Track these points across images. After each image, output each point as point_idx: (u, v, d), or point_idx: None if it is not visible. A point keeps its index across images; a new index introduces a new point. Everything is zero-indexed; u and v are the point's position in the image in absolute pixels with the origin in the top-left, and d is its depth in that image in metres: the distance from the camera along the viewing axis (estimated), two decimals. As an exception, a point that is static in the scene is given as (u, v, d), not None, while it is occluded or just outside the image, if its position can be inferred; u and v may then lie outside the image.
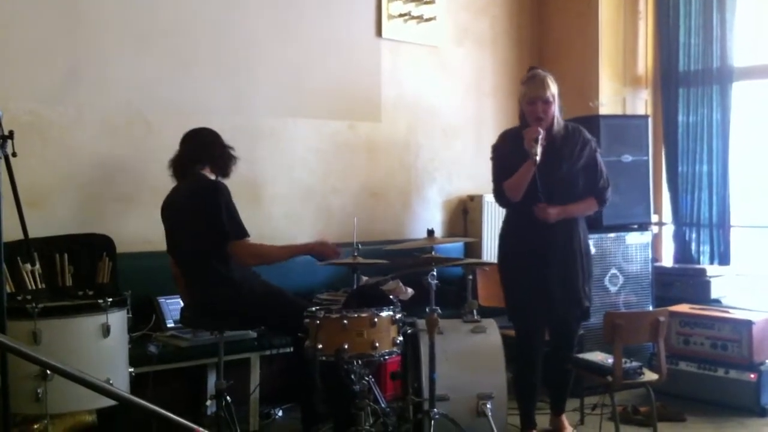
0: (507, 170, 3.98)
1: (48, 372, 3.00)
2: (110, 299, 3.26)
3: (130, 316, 3.45)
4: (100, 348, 3.20)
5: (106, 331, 3.21)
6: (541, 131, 3.85)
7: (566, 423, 4.31)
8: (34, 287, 3.62)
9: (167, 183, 4.00)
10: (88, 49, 4.29)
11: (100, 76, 4.33)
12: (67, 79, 4.22)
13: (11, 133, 2.85)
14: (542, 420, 4.35)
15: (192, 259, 3.80)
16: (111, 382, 3.06)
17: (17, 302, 3.16)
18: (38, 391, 3.04)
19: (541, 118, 3.90)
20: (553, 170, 3.92)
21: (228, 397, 3.73)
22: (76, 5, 4.24)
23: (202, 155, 3.87)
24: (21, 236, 3.05)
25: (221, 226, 3.66)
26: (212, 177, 3.88)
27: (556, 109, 3.95)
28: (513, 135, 4.08)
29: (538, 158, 3.79)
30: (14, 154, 2.86)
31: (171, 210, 3.88)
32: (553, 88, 3.93)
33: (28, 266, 3.54)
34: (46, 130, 4.15)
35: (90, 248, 4.01)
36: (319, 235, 4.28)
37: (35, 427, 3.19)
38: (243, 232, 3.70)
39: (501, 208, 4.25)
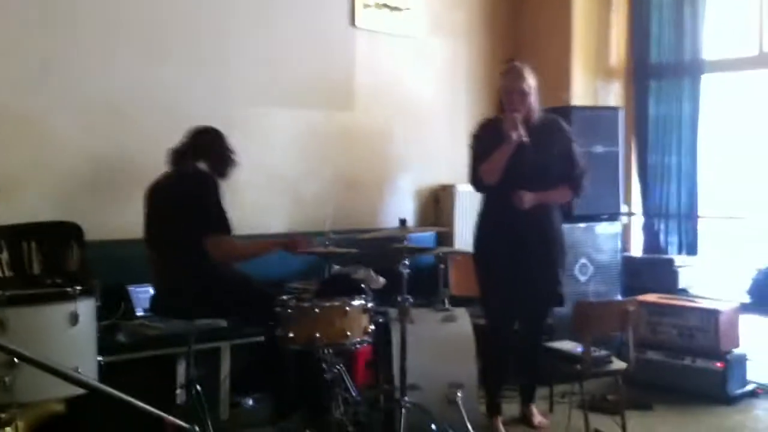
0: (485, 156, 4.04)
1: (15, 360, 2.96)
2: (79, 287, 3.22)
3: (99, 304, 3.41)
4: (68, 336, 3.16)
5: (74, 319, 3.16)
6: (519, 116, 3.93)
7: (536, 411, 4.35)
8: (1, 275, 3.58)
9: (140, 172, 3.97)
10: (65, 40, 4.24)
11: (73, 66, 4.28)
12: (40, 70, 4.18)
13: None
14: (512, 408, 4.39)
15: (169, 244, 3.77)
16: (79, 370, 3.03)
17: (-16, 290, 3.11)
18: (6, 379, 2.99)
19: (518, 109, 3.95)
20: (528, 158, 3.98)
21: (198, 387, 3.71)
22: (46, 1, 4.18)
23: (205, 150, 3.88)
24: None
25: (206, 216, 3.64)
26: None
27: (533, 100, 4.01)
28: (492, 123, 4.16)
29: (524, 138, 3.87)
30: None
31: (156, 194, 3.86)
32: (531, 80, 4.03)
33: (-5, 254, 3.49)
34: (17, 120, 4.09)
35: (59, 236, 3.95)
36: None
37: (3, 416, 3.14)
38: (224, 228, 3.68)
39: (473, 199, 4.29)
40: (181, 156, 3.88)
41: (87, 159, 4.35)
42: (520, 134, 3.89)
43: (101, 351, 3.40)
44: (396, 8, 5.64)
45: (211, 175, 3.85)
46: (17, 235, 3.75)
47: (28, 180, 4.14)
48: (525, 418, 4.34)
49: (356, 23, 5.47)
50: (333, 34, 5.39)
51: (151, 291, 4.01)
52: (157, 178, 3.89)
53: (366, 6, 5.50)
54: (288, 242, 3.89)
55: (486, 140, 4.10)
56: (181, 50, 4.67)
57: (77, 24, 4.29)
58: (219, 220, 3.68)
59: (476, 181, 4.15)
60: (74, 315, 3.16)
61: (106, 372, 3.38)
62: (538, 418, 4.33)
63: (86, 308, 3.24)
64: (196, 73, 4.73)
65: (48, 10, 4.18)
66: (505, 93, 4.05)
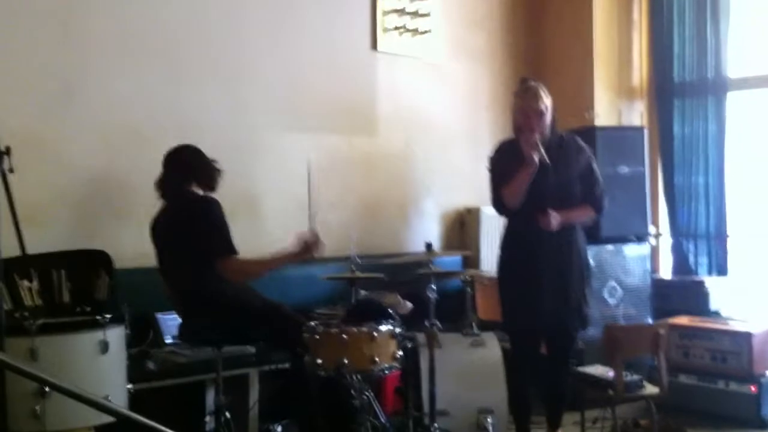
0: (505, 179, 4.01)
1: (46, 389, 2.97)
2: (108, 315, 3.23)
3: (128, 332, 3.42)
4: (98, 364, 3.17)
5: (104, 347, 3.17)
6: (538, 136, 3.90)
7: (563, 437, 4.29)
8: (31, 304, 3.60)
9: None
10: (82, 65, 4.27)
11: (95, 91, 4.30)
12: (62, 95, 4.20)
13: (8, 148, 2.85)
14: (541, 435, 4.33)
15: (183, 277, 3.78)
16: (109, 398, 3.03)
17: (15, 319, 3.13)
18: (36, 408, 3.00)
19: (536, 129, 3.93)
20: (549, 178, 3.94)
21: (227, 413, 3.71)
22: (70, 21, 4.22)
23: (186, 173, 3.85)
24: (18, 253, 3.05)
25: (210, 242, 3.64)
26: (200, 192, 3.86)
27: (549, 119, 3.99)
28: (508, 145, 4.13)
29: (545, 158, 3.82)
30: (11, 170, 2.85)
31: (160, 228, 3.86)
32: (546, 100, 3.98)
33: (26, 283, 3.52)
34: (42, 145, 4.11)
35: (88, 264, 3.98)
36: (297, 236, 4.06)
37: (33, 445, 3.15)
38: (230, 249, 3.67)
39: (498, 221, 4.26)
40: (169, 185, 3.85)
41: (108, 183, 4.36)
42: (541, 155, 3.86)
43: (131, 379, 3.40)
44: (417, 32, 5.66)
45: (206, 197, 3.82)
46: (46, 263, 3.78)
47: (53, 206, 4.15)
48: (552, 445, 4.28)
49: (378, 47, 5.49)
50: (354, 59, 5.41)
51: (179, 318, 4.01)
52: (156, 214, 3.89)
53: (386, 30, 5.52)
54: (299, 251, 3.79)
55: (505, 163, 4.06)
56: (202, 74, 4.69)
57: (99, 49, 4.31)
58: (223, 243, 3.66)
59: (498, 204, 4.12)
60: (104, 343, 3.17)
61: (135, 400, 3.39)
62: (565, 444, 4.27)
63: (116, 336, 3.25)
64: (216, 96, 4.75)
65: (69, 35, 4.21)
66: (521, 114, 4.00)
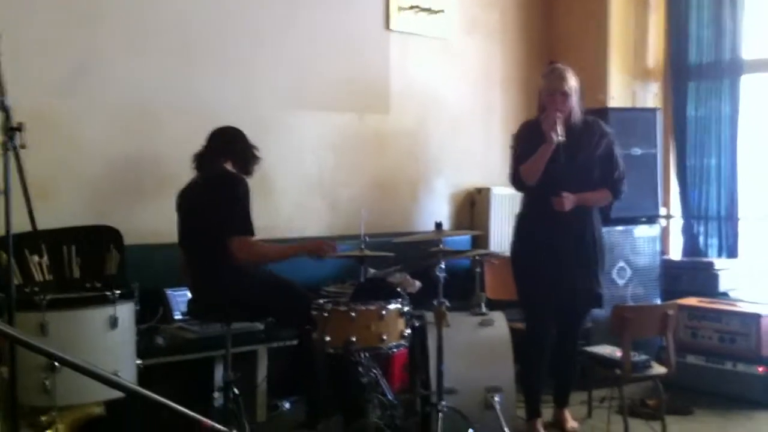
0: (526, 156, 4.05)
1: (56, 364, 3.00)
2: (118, 291, 3.25)
3: (138, 308, 3.44)
4: (107, 340, 3.20)
5: (113, 323, 3.20)
6: (560, 115, 3.93)
7: (569, 416, 4.31)
8: (42, 279, 3.62)
9: (175, 175, 4.00)
10: (96, 43, 4.28)
11: (108, 69, 4.32)
12: (75, 73, 4.21)
13: (20, 125, 2.85)
14: (546, 413, 4.34)
15: (201, 248, 3.80)
16: (119, 374, 3.06)
17: (25, 294, 3.15)
18: (46, 382, 3.04)
19: (560, 109, 3.95)
20: (570, 159, 3.98)
21: (235, 390, 3.73)
22: (83, 4, 4.23)
23: (226, 150, 3.91)
24: (29, 228, 3.06)
25: (231, 217, 3.66)
26: (232, 171, 3.89)
27: (575, 101, 4.01)
28: (533, 124, 4.15)
29: (562, 138, 3.87)
30: (23, 146, 2.86)
31: (186, 198, 3.89)
32: (572, 82, 4.03)
33: (36, 258, 3.53)
34: (54, 123, 4.14)
35: (98, 240, 4.00)
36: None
37: (43, 418, 3.18)
38: (248, 230, 3.70)
39: (509, 202, 4.28)
40: (205, 159, 3.91)
41: (120, 161, 4.39)
42: (558, 134, 3.87)
43: (140, 354, 3.44)
44: (430, 10, 5.63)
45: (237, 175, 3.87)
46: (57, 239, 3.80)
47: (63, 183, 4.18)
48: (558, 423, 4.30)
49: (391, 26, 5.47)
50: (368, 38, 5.39)
51: (189, 294, 4.04)
52: (187, 183, 3.93)
53: (401, 9, 5.49)
54: (312, 246, 3.88)
55: (527, 141, 4.10)
56: (213, 52, 4.70)
57: (112, 28, 4.32)
58: (243, 222, 3.69)
59: (516, 180, 4.16)
60: (114, 319, 3.20)
61: (144, 375, 3.42)
62: (570, 422, 4.29)
63: (125, 312, 3.28)
64: (228, 75, 4.75)
65: (82, 14, 4.22)
66: (547, 94, 4.04)
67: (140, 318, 3.58)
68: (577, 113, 4.05)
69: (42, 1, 4.11)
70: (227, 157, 3.90)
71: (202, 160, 3.92)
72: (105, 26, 4.31)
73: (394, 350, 3.59)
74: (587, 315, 4.40)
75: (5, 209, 2.83)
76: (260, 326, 4.22)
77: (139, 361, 3.41)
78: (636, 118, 5.47)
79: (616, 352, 4.01)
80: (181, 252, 3.93)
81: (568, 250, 4.04)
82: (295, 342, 3.98)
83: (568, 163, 3.96)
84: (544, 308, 4.11)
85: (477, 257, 4.42)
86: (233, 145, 3.93)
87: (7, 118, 2.84)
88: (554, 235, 4.04)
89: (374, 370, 3.68)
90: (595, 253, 4.13)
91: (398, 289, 3.75)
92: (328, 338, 3.44)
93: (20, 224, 3.01)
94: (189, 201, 3.89)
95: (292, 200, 5.05)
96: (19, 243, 3.27)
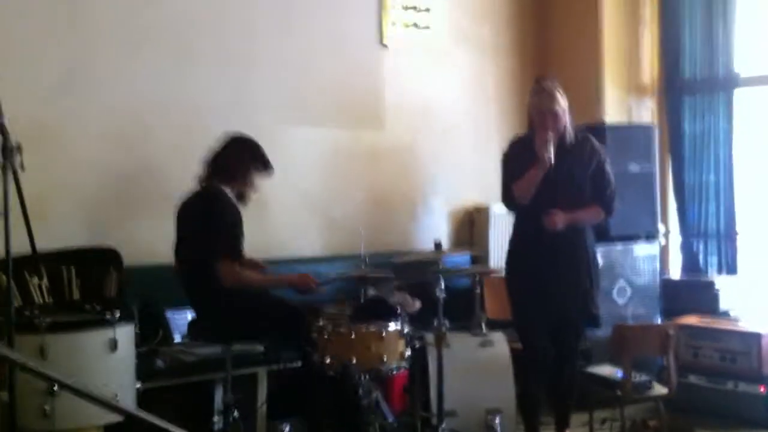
0: (517, 174, 4.01)
1: (55, 387, 2.98)
2: (117, 313, 3.24)
3: (138, 330, 3.43)
4: (107, 363, 3.18)
5: (113, 345, 3.18)
6: (552, 134, 3.90)
7: (570, 439, 4.28)
8: (41, 301, 3.61)
9: (169, 190, 3.99)
10: (84, 53, 4.26)
11: (97, 77, 4.30)
12: (65, 82, 4.19)
13: (20, 145, 2.85)
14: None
15: (189, 265, 3.79)
16: (118, 397, 3.04)
17: (25, 317, 3.15)
18: (45, 407, 3.02)
19: (551, 129, 3.93)
20: (561, 177, 3.95)
21: (236, 412, 3.71)
22: (76, 12, 4.23)
23: (224, 170, 3.84)
24: (28, 249, 3.05)
25: (215, 239, 3.65)
26: (228, 191, 3.86)
27: (565, 120, 3.99)
28: (523, 141, 4.12)
29: (552, 160, 3.83)
30: (23, 168, 2.85)
31: (181, 213, 3.88)
32: (562, 101, 3.98)
33: (36, 280, 3.53)
34: (48, 139, 4.08)
35: (97, 261, 4.00)
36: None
37: (43, 442, 3.16)
38: (232, 253, 3.68)
39: (508, 220, 4.26)
40: (205, 171, 3.87)
41: (114, 177, 4.36)
42: (550, 156, 3.85)
43: (139, 377, 3.41)
44: (424, 27, 5.64)
45: (227, 195, 3.83)
46: (56, 261, 3.80)
47: (61, 202, 4.16)
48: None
49: (384, 42, 5.48)
50: (361, 53, 5.39)
51: (189, 317, 4.02)
52: (184, 198, 3.90)
53: (393, 24, 5.51)
54: (297, 280, 3.85)
55: (517, 159, 4.07)
56: (210, 67, 4.69)
57: (101, 36, 4.31)
58: (227, 245, 3.67)
59: (508, 199, 4.13)
60: (113, 341, 3.18)
61: (144, 398, 3.40)
62: (573, 445, 4.26)
63: (125, 334, 3.26)
64: (225, 90, 4.74)
65: (75, 25, 4.21)
66: (536, 113, 4.00)
67: (140, 340, 3.56)
68: (570, 132, 4.03)
69: (33, 13, 4.09)
70: (222, 176, 3.85)
71: (203, 170, 3.87)
72: (98, 38, 4.29)
73: (395, 371, 3.58)
74: (583, 335, 4.36)
75: (5, 231, 2.82)
76: (260, 348, 4.20)
77: (138, 384, 3.39)
78: (632, 134, 5.47)
79: (617, 373, 4.00)
80: (175, 261, 3.92)
81: (561, 269, 3.99)
82: (295, 364, 3.96)
83: (560, 181, 3.94)
84: (538, 329, 4.06)
85: (478, 275, 4.41)
86: (233, 171, 3.86)
87: (5, 138, 2.84)
88: (545, 253, 3.99)
89: (374, 392, 3.66)
90: (589, 271, 4.09)
91: (398, 310, 3.74)
92: (327, 360, 3.43)
93: (19, 245, 3.00)
94: (181, 217, 3.86)
95: (286, 217, 5.02)
96: (19, 265, 3.25)
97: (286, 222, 5.02)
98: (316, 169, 5.19)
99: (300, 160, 5.11)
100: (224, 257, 3.65)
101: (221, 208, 3.73)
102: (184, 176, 3.93)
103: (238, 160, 3.88)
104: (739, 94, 5.64)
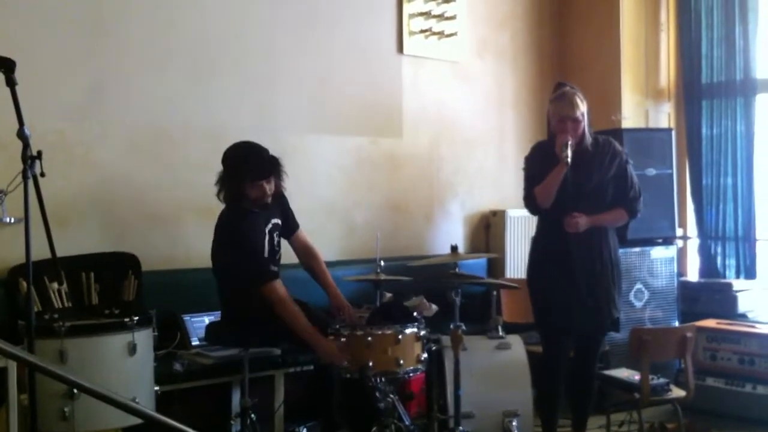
0: (538, 179, 4.02)
1: (75, 391, 3.02)
2: (136, 318, 3.27)
3: (156, 334, 3.46)
4: (126, 366, 3.22)
5: (132, 349, 3.22)
6: (571, 139, 3.90)
7: (588, 441, 4.27)
8: (60, 306, 3.65)
9: (191, 200, 4.01)
10: (110, 67, 4.32)
11: (123, 94, 4.36)
12: (90, 98, 4.25)
13: (39, 153, 2.89)
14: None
15: (217, 273, 3.82)
16: (137, 400, 3.07)
17: (44, 321, 3.18)
18: (65, 410, 3.05)
19: (571, 135, 3.93)
20: (583, 180, 3.95)
21: (253, 415, 3.73)
22: (98, 24, 4.28)
23: (225, 193, 3.76)
24: (47, 255, 3.09)
25: (244, 270, 3.64)
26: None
27: (585, 125, 3.99)
28: (544, 146, 4.13)
29: (569, 160, 3.83)
30: (42, 174, 2.89)
31: (215, 227, 3.84)
32: (583, 107, 3.97)
33: (55, 285, 3.56)
34: (70, 148, 4.18)
35: (116, 266, 4.04)
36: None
37: (62, 445, 3.20)
38: (266, 276, 3.63)
39: (524, 225, 4.26)
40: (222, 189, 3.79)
41: (139, 187, 4.41)
42: (567, 155, 3.85)
43: (158, 380, 3.45)
44: (442, 34, 5.66)
45: (240, 212, 3.72)
46: (76, 266, 3.84)
47: (82, 209, 4.21)
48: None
49: (404, 50, 5.50)
50: (381, 61, 5.43)
51: (206, 320, 4.05)
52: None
53: (412, 33, 5.53)
54: (325, 352, 3.57)
55: (539, 163, 4.08)
56: (230, 77, 4.74)
57: (126, 51, 4.36)
58: (256, 272, 3.62)
59: (530, 203, 4.13)
60: (132, 345, 3.22)
61: (162, 401, 3.43)
62: (591, 447, 4.25)
63: (143, 338, 3.29)
64: (245, 99, 4.79)
65: (97, 38, 4.26)
66: (557, 120, 4.00)
67: (158, 344, 3.59)
68: (588, 137, 4.03)
69: (57, 28, 4.15)
70: (233, 202, 3.76)
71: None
72: (119, 50, 4.34)
73: (411, 375, 3.58)
74: (604, 339, 4.36)
75: (25, 237, 2.86)
76: (277, 351, 4.22)
77: (157, 388, 3.42)
78: (650, 138, 5.46)
79: (635, 376, 3.99)
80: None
81: (584, 272, 4.00)
82: (312, 367, 3.97)
83: (581, 185, 3.95)
84: (560, 332, 4.07)
85: (493, 285, 4.42)
86: (231, 191, 3.73)
87: (26, 146, 2.88)
88: (569, 257, 4.00)
89: (391, 395, 3.67)
90: (612, 275, 4.08)
91: (415, 313, 3.75)
92: (345, 363, 3.44)
93: (39, 252, 3.04)
94: (216, 228, 3.83)
95: (307, 224, 5.04)
96: (38, 270, 3.29)
97: (305, 228, 5.03)
98: (335, 176, 5.22)
99: (319, 167, 5.14)
100: (265, 283, 3.62)
101: (236, 238, 3.68)
102: (206, 187, 3.90)
103: (230, 183, 3.75)
104: (759, 99, 5.62)
